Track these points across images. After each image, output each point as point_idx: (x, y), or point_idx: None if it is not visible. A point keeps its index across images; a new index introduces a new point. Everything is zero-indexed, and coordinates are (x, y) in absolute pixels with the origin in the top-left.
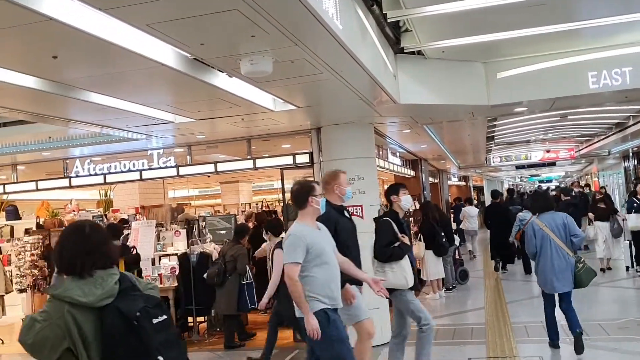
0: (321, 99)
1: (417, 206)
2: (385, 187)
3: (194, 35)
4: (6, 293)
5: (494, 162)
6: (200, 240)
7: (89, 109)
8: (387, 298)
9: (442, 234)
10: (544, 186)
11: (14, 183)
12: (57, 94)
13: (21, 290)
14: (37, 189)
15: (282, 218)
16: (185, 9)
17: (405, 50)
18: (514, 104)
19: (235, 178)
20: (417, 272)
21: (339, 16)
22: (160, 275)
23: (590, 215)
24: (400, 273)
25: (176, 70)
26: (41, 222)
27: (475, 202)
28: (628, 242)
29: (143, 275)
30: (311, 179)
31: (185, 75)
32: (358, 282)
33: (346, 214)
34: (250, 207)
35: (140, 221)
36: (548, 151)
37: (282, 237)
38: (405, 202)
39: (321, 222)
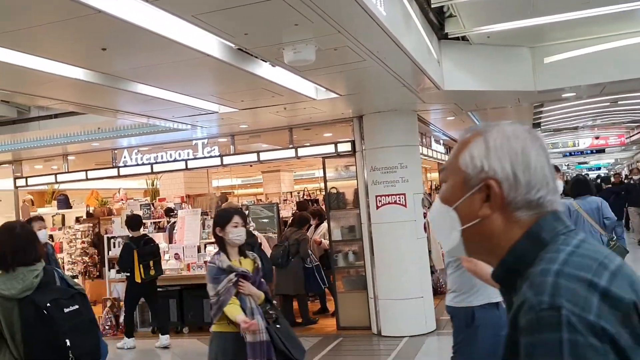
0: (364, 86)
1: None
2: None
3: (238, 25)
4: None
5: None
6: None
7: (136, 100)
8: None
9: None
10: (584, 173)
11: (65, 173)
12: (105, 86)
13: (73, 277)
14: (87, 179)
15: (324, 207)
16: None
17: (449, 36)
18: (561, 89)
19: (276, 167)
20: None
21: (382, 2)
22: (205, 262)
23: None
24: None
25: (220, 60)
26: (91, 211)
27: None
28: None
29: (188, 262)
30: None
31: (229, 65)
32: None
33: None
34: (291, 196)
35: (186, 209)
36: (597, 138)
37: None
38: None
39: None
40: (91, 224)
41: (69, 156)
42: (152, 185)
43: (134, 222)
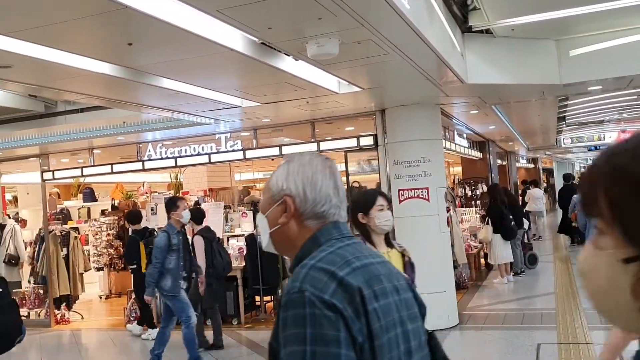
0: (387, 79)
1: (485, 189)
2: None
3: (262, 20)
4: (85, 271)
5: (564, 144)
6: None
7: (161, 95)
8: None
9: (511, 217)
10: None
11: (91, 166)
12: (131, 80)
13: (98, 269)
14: (113, 172)
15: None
16: None
17: (473, 29)
18: (587, 82)
19: None
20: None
21: None
22: (228, 255)
23: None
24: None
25: (244, 54)
26: (116, 204)
27: (544, 185)
28: None
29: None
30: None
31: (253, 59)
32: None
33: None
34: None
35: (210, 203)
36: (623, 131)
37: None
38: None
39: None
40: (116, 217)
41: (95, 150)
42: (176, 178)
43: (133, 216)
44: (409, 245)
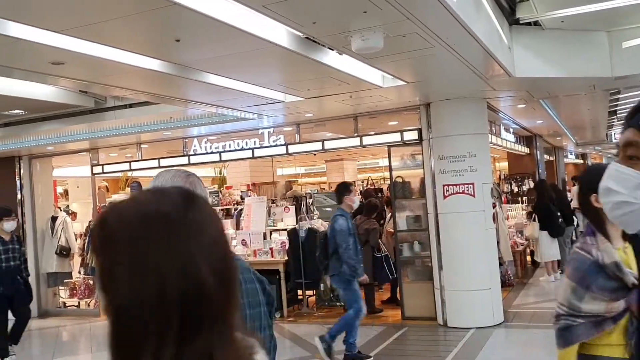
0: (432, 73)
1: (532, 185)
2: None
3: (307, 14)
4: None
5: (615, 139)
6: (308, 217)
7: (207, 90)
8: None
9: (559, 214)
10: None
11: (139, 161)
12: (177, 76)
13: None
14: (160, 166)
15: (389, 195)
16: None
17: (521, 22)
18: None
19: (340, 156)
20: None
21: None
22: (271, 249)
23: None
24: None
25: (289, 49)
26: None
27: None
28: None
29: (254, 249)
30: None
31: (297, 54)
32: None
33: None
34: (355, 185)
35: (253, 197)
36: None
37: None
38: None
39: None
40: None
41: (142, 145)
42: (220, 173)
43: None
44: (453, 242)
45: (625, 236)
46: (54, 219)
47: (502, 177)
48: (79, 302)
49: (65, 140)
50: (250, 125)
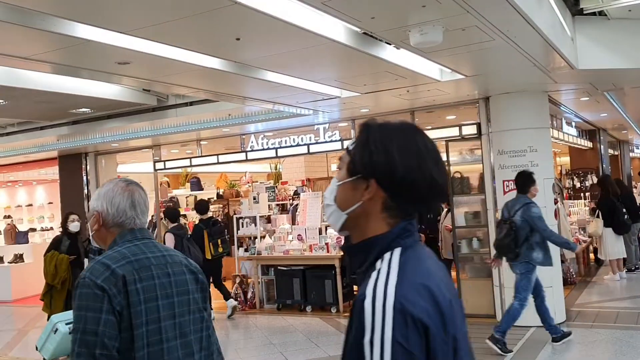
0: (491, 66)
1: (595, 180)
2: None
3: (366, 10)
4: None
5: None
6: None
7: (264, 87)
8: None
9: (624, 210)
10: None
11: (199, 157)
12: (237, 74)
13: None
14: (218, 162)
15: None
16: None
17: (584, 12)
18: None
19: None
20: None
21: None
22: (327, 244)
23: None
24: None
25: (346, 45)
26: (221, 193)
27: None
28: None
29: (310, 244)
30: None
31: (354, 50)
32: None
33: None
34: None
35: (308, 192)
36: None
37: None
38: None
39: None
40: (221, 205)
41: (202, 141)
42: (275, 169)
43: (202, 206)
44: None
45: None
46: None
47: (564, 172)
48: None
49: (128, 137)
50: (306, 122)
